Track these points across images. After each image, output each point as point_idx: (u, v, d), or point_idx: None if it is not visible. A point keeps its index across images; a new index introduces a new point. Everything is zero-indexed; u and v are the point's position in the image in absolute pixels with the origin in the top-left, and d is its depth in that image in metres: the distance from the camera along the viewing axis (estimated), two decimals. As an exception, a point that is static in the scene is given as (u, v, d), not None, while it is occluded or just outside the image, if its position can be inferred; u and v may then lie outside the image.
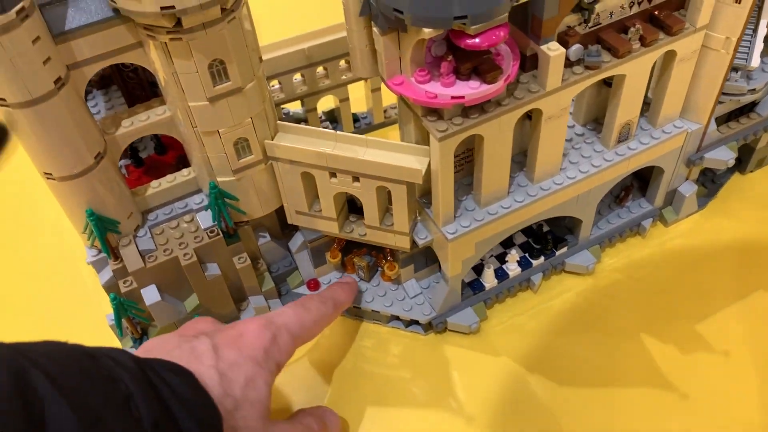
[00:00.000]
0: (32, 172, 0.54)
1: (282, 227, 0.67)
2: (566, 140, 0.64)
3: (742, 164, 0.76)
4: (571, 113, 0.66)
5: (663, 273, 0.68)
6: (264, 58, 0.58)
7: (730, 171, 0.77)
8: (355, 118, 0.83)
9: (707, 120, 0.64)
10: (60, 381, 0.29)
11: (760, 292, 0.66)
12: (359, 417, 0.60)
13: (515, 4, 0.46)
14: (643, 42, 0.54)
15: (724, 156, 0.67)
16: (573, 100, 0.57)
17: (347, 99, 0.78)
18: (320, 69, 0.73)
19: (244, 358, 0.45)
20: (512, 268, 0.66)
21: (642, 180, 0.72)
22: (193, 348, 0.45)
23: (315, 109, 0.76)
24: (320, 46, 0.69)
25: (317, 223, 0.62)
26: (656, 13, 0.55)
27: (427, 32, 0.45)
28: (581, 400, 0.60)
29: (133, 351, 0.42)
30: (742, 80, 0.64)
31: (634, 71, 0.56)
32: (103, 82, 0.65)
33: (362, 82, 0.78)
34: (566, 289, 0.68)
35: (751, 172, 0.77)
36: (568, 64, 0.53)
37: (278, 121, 0.58)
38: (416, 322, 0.65)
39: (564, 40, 0.52)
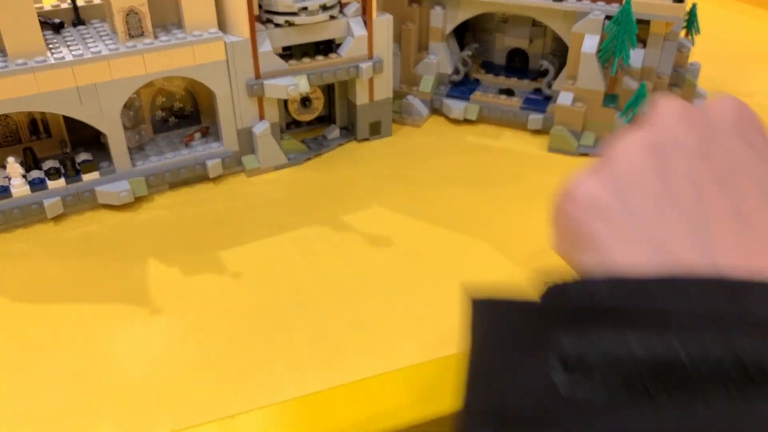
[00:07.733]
0: None
1: None
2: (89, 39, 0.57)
3: (353, 129, 0.71)
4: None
5: (216, 211, 0.59)
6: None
7: (345, 138, 0.71)
8: None
9: (250, 34, 0.59)
10: None
11: (300, 231, 0.57)
12: None
13: None
14: None
15: (285, 82, 0.61)
16: None
17: None
18: None
19: None
20: (16, 184, 0.55)
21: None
22: None
23: None
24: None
25: None
26: None
27: None
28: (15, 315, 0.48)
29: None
30: (289, -3, 0.60)
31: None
32: None
33: None
34: (96, 221, 0.58)
35: (367, 140, 0.71)
36: None
37: None
38: None
39: None
